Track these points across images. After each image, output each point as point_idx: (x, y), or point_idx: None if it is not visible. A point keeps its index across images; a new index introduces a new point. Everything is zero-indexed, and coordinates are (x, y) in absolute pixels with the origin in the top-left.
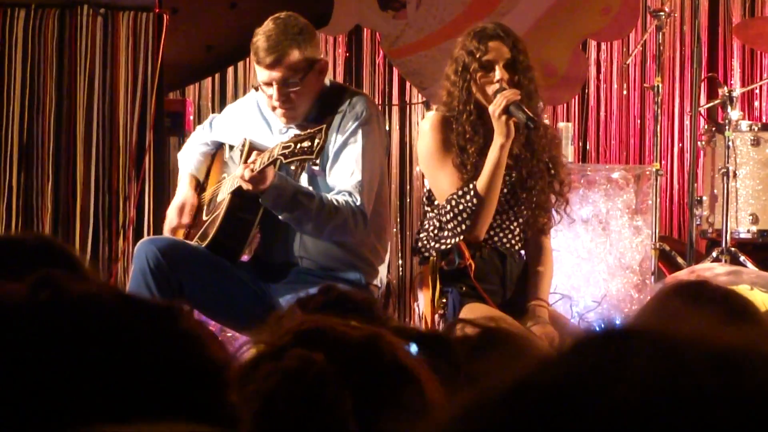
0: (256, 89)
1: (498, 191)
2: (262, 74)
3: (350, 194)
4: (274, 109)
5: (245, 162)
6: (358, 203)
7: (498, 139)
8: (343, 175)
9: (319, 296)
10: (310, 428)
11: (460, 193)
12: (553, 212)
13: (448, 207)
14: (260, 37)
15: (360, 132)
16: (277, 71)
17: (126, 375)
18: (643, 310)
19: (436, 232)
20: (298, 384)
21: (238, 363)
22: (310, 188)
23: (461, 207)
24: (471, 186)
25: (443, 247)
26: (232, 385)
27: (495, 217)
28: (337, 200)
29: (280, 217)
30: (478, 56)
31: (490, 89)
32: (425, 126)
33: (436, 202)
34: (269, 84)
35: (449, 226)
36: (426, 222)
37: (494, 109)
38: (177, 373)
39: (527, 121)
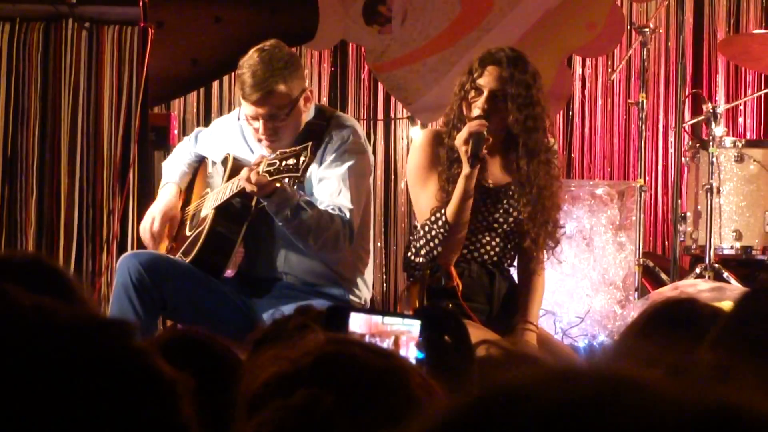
0: (238, 119)
1: (467, 219)
2: (248, 109)
3: (340, 209)
4: (259, 141)
5: (228, 177)
6: (347, 218)
7: (463, 169)
8: (331, 194)
9: (296, 317)
10: None
11: (432, 219)
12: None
13: (422, 232)
14: (246, 72)
15: (346, 156)
16: (263, 108)
17: (73, 390)
18: (629, 330)
19: (422, 254)
20: (303, 424)
21: (258, 380)
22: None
23: (433, 233)
24: (442, 213)
25: (430, 265)
26: (185, 397)
27: (483, 234)
28: (331, 213)
29: (280, 224)
30: (474, 77)
31: (472, 113)
32: (416, 141)
33: (418, 227)
34: (255, 118)
35: (422, 252)
36: (413, 239)
37: (458, 139)
38: (126, 388)
39: (470, 157)
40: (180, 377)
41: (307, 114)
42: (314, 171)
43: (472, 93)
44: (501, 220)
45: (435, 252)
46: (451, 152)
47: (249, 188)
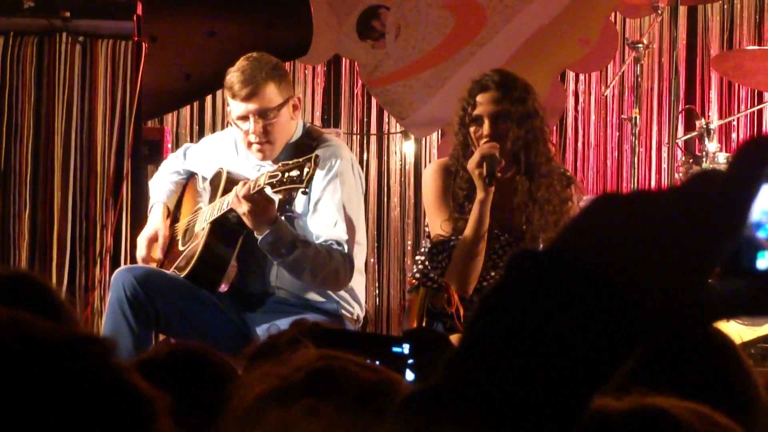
0: (228, 125)
1: (483, 245)
2: (237, 108)
3: (338, 243)
4: (249, 145)
5: (223, 192)
6: (346, 252)
7: (478, 194)
8: (328, 225)
9: (291, 330)
10: None
11: (446, 246)
12: None
13: (436, 254)
14: (234, 73)
15: (338, 180)
16: (253, 103)
17: (49, 406)
18: None
19: (427, 278)
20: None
21: (249, 396)
22: (306, 237)
23: (447, 260)
24: (456, 239)
25: (433, 285)
26: (162, 415)
27: (489, 271)
28: (329, 249)
29: (276, 262)
30: (469, 111)
31: (481, 144)
32: (426, 173)
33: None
34: (245, 118)
35: (432, 274)
36: (423, 261)
37: (470, 164)
38: (103, 404)
39: (485, 176)
40: (158, 395)
41: (296, 125)
42: (303, 197)
43: (473, 127)
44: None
45: (450, 277)
46: (460, 191)
47: (248, 222)
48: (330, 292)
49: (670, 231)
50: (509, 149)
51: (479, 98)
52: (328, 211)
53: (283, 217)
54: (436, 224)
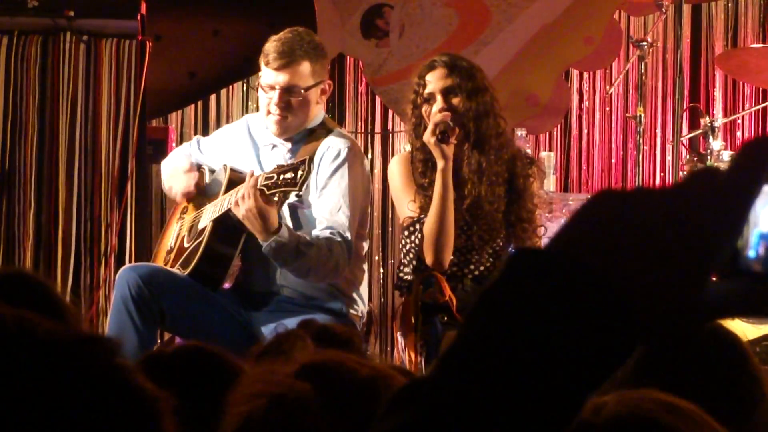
0: (256, 89)
1: (451, 214)
2: (268, 76)
3: (339, 233)
4: (268, 113)
5: (226, 189)
6: (346, 238)
7: (438, 164)
8: (331, 210)
9: (298, 330)
10: None
11: (406, 232)
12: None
13: (408, 236)
14: (274, 42)
15: (346, 167)
16: (283, 74)
17: (52, 406)
18: None
19: (405, 263)
20: (278, 407)
21: (242, 393)
22: (306, 236)
23: (408, 247)
24: (416, 227)
25: (422, 278)
26: (167, 415)
27: (471, 251)
28: (329, 243)
29: (282, 268)
30: (420, 92)
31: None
32: (391, 166)
33: (404, 237)
34: (272, 87)
35: (409, 257)
36: (403, 255)
37: (426, 135)
38: (106, 404)
39: (439, 135)
40: (162, 395)
41: (318, 111)
42: (314, 175)
43: (425, 107)
44: (485, 236)
45: (412, 264)
46: (417, 175)
47: (239, 212)
48: (336, 290)
49: (669, 230)
50: (460, 121)
51: (429, 77)
52: (333, 196)
53: (286, 208)
54: (404, 208)
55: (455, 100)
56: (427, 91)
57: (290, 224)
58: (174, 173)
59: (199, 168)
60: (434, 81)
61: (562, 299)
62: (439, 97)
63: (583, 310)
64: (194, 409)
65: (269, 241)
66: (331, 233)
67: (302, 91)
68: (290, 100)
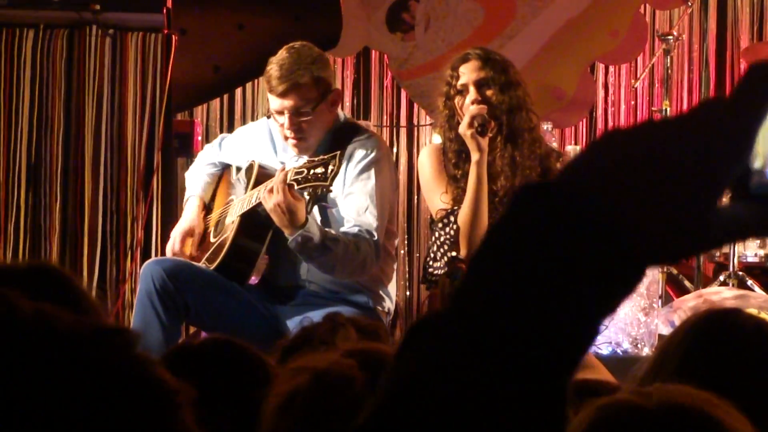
0: (269, 117)
1: (485, 208)
2: (274, 102)
3: (368, 231)
4: (286, 139)
5: (254, 185)
6: (375, 239)
7: (472, 156)
8: (358, 210)
9: (325, 323)
10: (328, 425)
11: (440, 224)
12: None
13: (442, 227)
14: (273, 66)
15: (372, 169)
16: (289, 100)
17: (72, 398)
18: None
19: (438, 255)
20: (322, 382)
21: (284, 389)
22: (333, 231)
23: (442, 238)
24: (450, 218)
25: (447, 270)
26: (186, 408)
27: None
28: (356, 240)
29: (308, 263)
30: (453, 83)
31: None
32: (422, 157)
33: (436, 229)
34: (281, 113)
35: (443, 248)
36: (429, 247)
37: (462, 127)
38: (126, 397)
39: (477, 128)
40: (182, 387)
41: (335, 118)
42: (339, 184)
43: (458, 99)
44: None
45: (446, 256)
46: (450, 167)
47: (277, 220)
48: (362, 286)
49: (677, 157)
50: (493, 113)
51: (462, 69)
52: (360, 197)
53: (315, 207)
54: (435, 200)
55: (488, 93)
56: (460, 82)
57: (318, 222)
58: (184, 218)
59: (224, 169)
60: (468, 73)
61: (570, 229)
62: (472, 89)
63: (591, 240)
64: (220, 402)
65: (295, 235)
66: (359, 230)
67: (311, 111)
68: (301, 123)
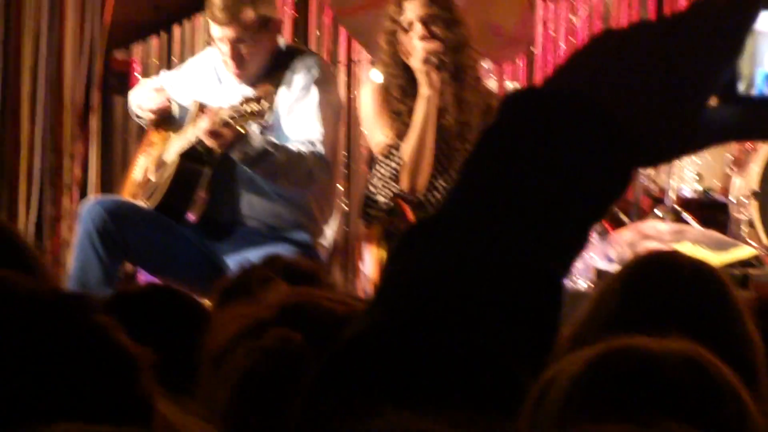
0: (210, 44)
1: (431, 143)
2: (215, 30)
3: (312, 144)
4: (226, 64)
5: (194, 123)
6: (321, 151)
7: (422, 91)
8: (302, 127)
9: (263, 267)
10: (285, 406)
11: (394, 150)
12: None
13: (383, 161)
14: None
15: (315, 88)
16: (229, 29)
17: (33, 363)
18: (607, 289)
19: (380, 188)
20: (276, 362)
21: (222, 337)
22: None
23: (397, 162)
24: (393, 153)
25: (387, 206)
26: (146, 371)
27: (437, 177)
28: (300, 149)
29: (250, 170)
30: (398, 19)
31: (413, 51)
32: (363, 93)
33: (377, 163)
34: (222, 41)
35: (385, 181)
36: (369, 183)
37: (414, 61)
38: (87, 361)
39: (437, 66)
40: (141, 351)
41: (276, 45)
42: (284, 95)
43: (403, 35)
44: (453, 160)
45: (388, 189)
46: (394, 103)
47: (209, 142)
48: (304, 219)
49: (667, 58)
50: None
51: (407, 5)
52: (303, 113)
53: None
54: (377, 135)
55: (435, 29)
56: (404, 17)
57: None
58: (144, 91)
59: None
60: (413, 9)
61: (562, 130)
62: (419, 25)
63: (583, 139)
64: (165, 355)
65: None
66: (302, 142)
67: (252, 40)
68: (242, 51)
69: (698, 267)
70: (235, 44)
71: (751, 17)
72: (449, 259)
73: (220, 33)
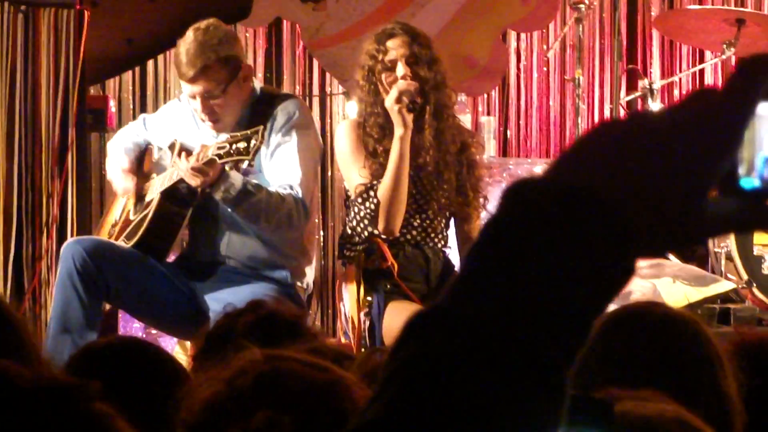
0: (180, 100)
1: (405, 183)
2: (185, 88)
3: (291, 187)
4: (203, 120)
5: (175, 163)
6: (299, 196)
7: (396, 131)
8: (282, 171)
9: (248, 314)
10: None
11: (360, 199)
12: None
13: (362, 202)
14: (181, 51)
15: (294, 132)
16: (198, 85)
17: None
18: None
19: (357, 231)
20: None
21: (193, 403)
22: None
23: (374, 203)
24: (370, 193)
25: (364, 245)
26: None
27: (414, 216)
28: (280, 192)
29: (230, 210)
30: (380, 58)
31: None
32: (339, 130)
33: (354, 205)
34: (193, 97)
35: (363, 223)
36: (347, 223)
37: (388, 102)
38: None
39: (408, 105)
40: None
41: (250, 92)
42: (263, 149)
43: (385, 74)
44: (430, 199)
45: (365, 232)
46: (371, 141)
47: (191, 181)
48: (283, 259)
49: (667, 148)
50: (423, 89)
51: (390, 44)
52: (283, 157)
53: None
54: (354, 175)
55: (418, 69)
56: (388, 58)
57: None
58: (115, 170)
59: (147, 146)
60: (396, 48)
61: (564, 223)
62: (401, 65)
63: (584, 232)
64: (129, 407)
65: (218, 182)
66: (283, 186)
67: (222, 93)
68: (213, 106)
69: (673, 320)
70: (205, 99)
71: (749, 112)
72: (453, 354)
73: (190, 90)
